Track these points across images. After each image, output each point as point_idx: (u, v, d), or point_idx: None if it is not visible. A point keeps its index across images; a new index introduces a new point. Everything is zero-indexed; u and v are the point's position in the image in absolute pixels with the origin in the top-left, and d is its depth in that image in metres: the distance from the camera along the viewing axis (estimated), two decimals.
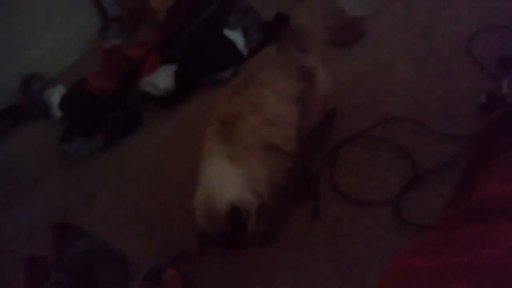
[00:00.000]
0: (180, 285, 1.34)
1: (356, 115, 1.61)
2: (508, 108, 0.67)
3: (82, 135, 2.11)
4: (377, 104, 1.61)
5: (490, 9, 1.67)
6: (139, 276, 1.38)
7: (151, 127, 2.08)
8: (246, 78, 1.33)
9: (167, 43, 2.30)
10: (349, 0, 1.95)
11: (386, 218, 1.31)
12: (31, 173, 2.20)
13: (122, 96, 2.26)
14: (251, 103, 1.21)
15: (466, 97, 1.47)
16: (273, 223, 1.38)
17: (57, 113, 2.40)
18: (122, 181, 1.86)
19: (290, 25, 1.70)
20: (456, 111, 1.46)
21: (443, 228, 0.59)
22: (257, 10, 2.19)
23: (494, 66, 1.50)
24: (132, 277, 1.44)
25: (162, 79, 2.14)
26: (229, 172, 1.11)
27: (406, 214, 1.28)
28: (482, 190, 0.56)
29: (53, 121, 2.41)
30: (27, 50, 2.68)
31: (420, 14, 1.83)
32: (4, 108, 2.61)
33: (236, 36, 2.17)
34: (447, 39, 1.68)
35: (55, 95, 2.46)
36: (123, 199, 1.78)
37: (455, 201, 0.68)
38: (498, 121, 0.69)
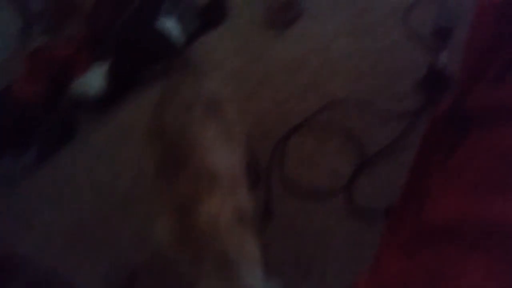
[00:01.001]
0: None
1: (301, 99, 1.56)
2: (454, 103, 0.58)
3: (12, 151, 1.92)
4: (321, 86, 1.56)
5: None
6: None
7: (88, 134, 1.93)
8: (168, 141, 1.05)
9: (97, 38, 2.13)
10: None
11: (339, 206, 1.27)
12: None
13: (53, 103, 2.07)
14: (201, 176, 0.97)
15: (407, 71, 1.44)
16: None
17: None
18: (60, 199, 1.72)
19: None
20: (399, 87, 1.43)
21: (385, 260, 0.52)
22: None
23: (432, 37, 1.47)
24: None
25: (95, 78, 1.98)
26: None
27: (358, 199, 1.25)
28: (429, 208, 0.48)
29: None
30: None
31: None
32: None
33: (171, 24, 2.04)
34: (385, 12, 1.63)
35: None
36: (63, 218, 1.64)
37: (400, 219, 0.60)
38: (442, 119, 0.59)
